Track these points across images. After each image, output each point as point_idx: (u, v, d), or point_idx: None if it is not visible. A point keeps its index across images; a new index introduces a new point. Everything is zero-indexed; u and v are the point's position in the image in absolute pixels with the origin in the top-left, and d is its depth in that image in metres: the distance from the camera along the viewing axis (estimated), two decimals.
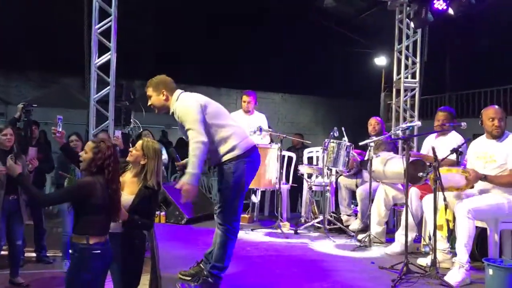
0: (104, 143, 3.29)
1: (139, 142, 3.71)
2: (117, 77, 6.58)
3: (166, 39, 14.23)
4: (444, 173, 3.80)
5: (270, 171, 5.48)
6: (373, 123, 5.98)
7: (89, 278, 3.17)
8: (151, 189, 3.54)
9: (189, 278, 3.49)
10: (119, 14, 6.53)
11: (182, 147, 11.24)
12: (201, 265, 3.59)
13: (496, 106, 4.13)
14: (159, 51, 14.40)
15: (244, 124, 6.11)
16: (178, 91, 3.53)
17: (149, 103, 3.57)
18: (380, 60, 15.00)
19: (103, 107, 6.50)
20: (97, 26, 6.42)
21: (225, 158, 3.37)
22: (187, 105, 3.39)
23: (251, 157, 3.43)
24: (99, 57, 6.49)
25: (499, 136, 3.98)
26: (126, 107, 7.07)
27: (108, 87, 6.48)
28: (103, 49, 6.57)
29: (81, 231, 3.21)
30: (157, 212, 5.54)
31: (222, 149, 3.37)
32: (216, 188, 3.51)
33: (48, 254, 6.15)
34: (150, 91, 3.52)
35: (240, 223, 5.67)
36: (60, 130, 3.87)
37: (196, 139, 3.23)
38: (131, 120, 7.48)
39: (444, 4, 6.59)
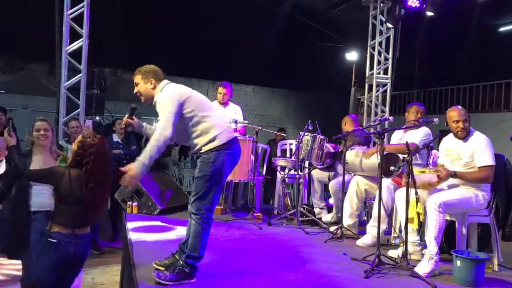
0: (90, 139, 3.31)
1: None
2: (88, 65, 6.46)
3: (137, 26, 13.98)
4: (418, 174, 3.91)
5: (244, 163, 5.49)
6: (347, 120, 6.01)
7: (47, 263, 3.18)
8: None
9: (164, 268, 3.47)
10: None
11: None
12: (176, 255, 3.58)
13: (459, 107, 4.21)
14: (129, 39, 14.15)
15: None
16: (165, 81, 3.52)
17: (135, 91, 3.54)
18: (351, 55, 15.16)
19: (74, 95, 6.37)
20: (69, 12, 6.27)
21: (205, 148, 3.38)
22: (167, 96, 3.38)
23: (232, 149, 3.45)
24: (70, 43, 6.35)
25: (464, 137, 4.11)
26: (98, 95, 6.93)
27: (80, 74, 6.35)
28: (74, 36, 6.42)
29: (49, 216, 3.31)
30: (129, 203, 5.50)
31: (203, 139, 3.38)
32: (194, 177, 3.49)
33: None
34: (138, 79, 3.51)
35: (214, 215, 5.73)
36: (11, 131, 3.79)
37: (161, 130, 3.26)
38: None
39: (417, 1, 6.72)
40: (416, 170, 3.94)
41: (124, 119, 3.57)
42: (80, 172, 3.23)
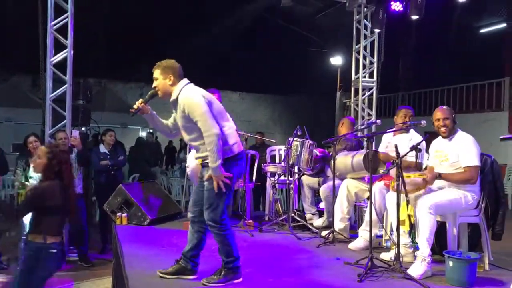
0: (58, 147, 3.34)
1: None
2: (73, 75, 6.40)
3: (121, 36, 13.94)
4: (405, 179, 3.92)
5: None
6: (346, 122, 5.91)
7: (44, 276, 3.19)
8: None
9: (170, 276, 3.54)
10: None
11: (139, 145, 11.07)
12: (180, 262, 3.62)
13: (444, 107, 4.25)
14: (113, 49, 14.09)
15: None
16: (185, 80, 3.51)
17: (154, 85, 3.53)
18: (336, 60, 15.27)
19: (60, 106, 6.31)
20: (52, 23, 6.21)
21: None
22: (194, 97, 3.38)
23: (241, 159, 3.51)
24: (54, 54, 6.29)
25: (446, 135, 4.14)
26: (84, 106, 6.87)
27: (65, 85, 6.29)
28: (57, 46, 6.37)
29: (39, 230, 3.27)
30: (119, 214, 5.44)
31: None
32: (204, 188, 3.48)
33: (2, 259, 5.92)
34: (157, 74, 3.49)
35: None
36: None
37: (208, 132, 3.30)
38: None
39: (401, 5, 6.80)
40: (404, 175, 3.95)
41: (139, 101, 3.53)
42: (63, 181, 3.26)
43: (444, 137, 4.16)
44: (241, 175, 3.62)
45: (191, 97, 3.38)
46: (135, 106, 3.53)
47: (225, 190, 3.39)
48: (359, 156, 5.00)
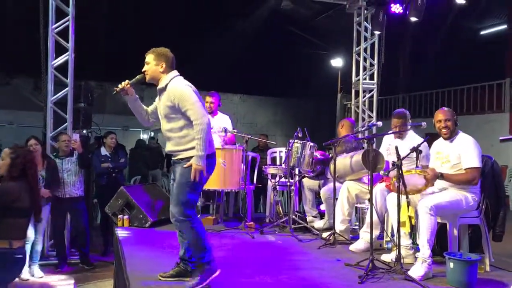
0: (22, 148, 3.35)
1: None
2: (74, 78, 6.43)
3: (120, 39, 13.97)
4: (405, 175, 3.92)
5: (234, 172, 5.49)
6: (346, 124, 5.89)
7: (6, 281, 3.18)
8: None
9: (171, 279, 3.53)
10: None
11: (139, 148, 11.07)
12: (180, 265, 3.61)
13: (445, 108, 4.25)
14: (114, 52, 14.12)
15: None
16: (176, 72, 3.54)
17: (144, 69, 3.55)
18: (336, 62, 15.29)
19: (61, 109, 6.33)
20: (54, 26, 6.24)
21: (189, 153, 3.39)
22: (184, 88, 3.41)
23: (211, 159, 3.48)
24: (55, 57, 6.31)
25: (447, 137, 4.14)
26: (85, 108, 6.89)
27: (66, 88, 6.32)
28: (59, 50, 6.40)
29: (3, 235, 3.22)
30: (120, 216, 5.46)
31: (191, 144, 3.38)
32: (172, 180, 3.51)
33: None
34: (150, 59, 3.52)
35: (205, 225, 5.71)
36: None
37: (199, 120, 3.31)
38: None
39: (400, 7, 6.81)
40: (403, 169, 3.95)
41: (125, 82, 3.55)
42: (28, 180, 3.25)
43: (445, 139, 4.17)
44: (210, 174, 3.55)
45: (182, 87, 3.42)
46: (120, 86, 3.54)
47: (197, 185, 3.37)
48: (357, 156, 5.02)
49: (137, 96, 3.68)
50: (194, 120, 3.33)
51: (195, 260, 3.45)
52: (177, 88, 3.42)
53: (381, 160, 4.69)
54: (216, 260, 3.50)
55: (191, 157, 3.36)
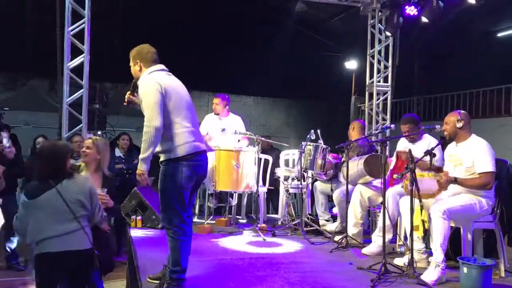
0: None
1: (89, 141, 3.89)
2: (89, 80, 6.50)
3: (136, 40, 14.07)
4: (418, 178, 3.89)
5: (247, 174, 5.50)
6: (356, 126, 5.88)
7: None
8: (110, 178, 3.99)
9: (157, 282, 3.46)
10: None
11: None
12: (165, 268, 3.55)
13: (456, 111, 4.19)
14: (128, 53, 14.25)
15: (215, 126, 6.13)
16: (155, 67, 3.43)
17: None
18: (351, 64, 15.21)
19: (76, 110, 6.40)
20: (70, 28, 6.32)
21: (164, 156, 3.30)
22: (148, 85, 3.29)
23: (193, 160, 3.30)
24: (71, 59, 6.39)
25: (450, 139, 4.13)
26: (100, 110, 6.97)
27: (81, 90, 6.39)
28: (74, 51, 6.47)
29: None
30: (133, 217, 5.50)
31: (164, 145, 3.28)
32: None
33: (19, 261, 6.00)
34: (130, 61, 3.52)
35: (218, 226, 5.73)
36: (7, 145, 3.82)
37: (148, 123, 3.19)
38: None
39: (415, 10, 6.76)
40: (416, 173, 3.92)
41: (126, 95, 3.53)
42: None
43: (447, 141, 4.15)
44: (198, 177, 3.38)
45: (145, 84, 3.31)
46: (126, 99, 3.52)
47: (176, 195, 3.24)
48: (361, 162, 5.03)
49: None
50: (145, 121, 3.20)
51: (167, 271, 3.38)
52: (142, 85, 3.33)
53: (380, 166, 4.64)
54: (189, 282, 3.42)
55: (166, 160, 3.27)
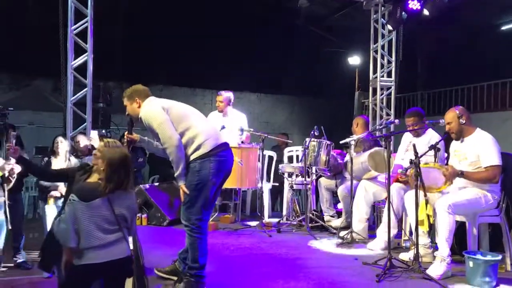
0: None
1: (101, 144, 3.82)
2: (93, 79, 6.51)
3: (138, 39, 14.07)
4: (422, 167, 3.88)
5: (251, 171, 5.51)
6: (360, 122, 5.88)
7: None
8: None
9: (166, 275, 3.56)
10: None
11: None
12: (176, 263, 3.64)
13: (449, 110, 4.17)
14: (131, 52, 14.24)
15: (218, 124, 6.13)
16: (150, 98, 3.55)
17: (126, 113, 3.60)
18: (354, 60, 15.16)
19: (80, 109, 6.41)
20: (73, 27, 6.32)
21: (192, 157, 3.40)
22: (150, 109, 3.44)
23: (219, 155, 3.43)
24: (75, 58, 6.40)
25: (456, 137, 4.10)
26: (104, 108, 6.98)
27: (85, 89, 6.40)
28: (78, 50, 6.48)
29: None
30: (139, 215, 5.52)
31: (189, 149, 3.40)
32: None
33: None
34: (125, 101, 3.57)
35: (223, 223, 5.75)
36: (14, 145, 3.84)
37: (166, 144, 3.34)
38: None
39: (418, 4, 6.73)
40: (422, 163, 3.91)
41: (125, 136, 3.62)
42: None
43: (455, 139, 4.12)
44: (224, 171, 3.48)
45: (147, 110, 3.45)
46: (125, 139, 3.61)
47: (203, 191, 3.36)
48: (364, 156, 5.03)
49: (146, 138, 3.70)
50: (162, 143, 3.37)
51: (186, 266, 3.46)
52: (144, 112, 3.46)
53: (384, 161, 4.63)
54: (208, 277, 3.48)
55: (194, 159, 3.38)
